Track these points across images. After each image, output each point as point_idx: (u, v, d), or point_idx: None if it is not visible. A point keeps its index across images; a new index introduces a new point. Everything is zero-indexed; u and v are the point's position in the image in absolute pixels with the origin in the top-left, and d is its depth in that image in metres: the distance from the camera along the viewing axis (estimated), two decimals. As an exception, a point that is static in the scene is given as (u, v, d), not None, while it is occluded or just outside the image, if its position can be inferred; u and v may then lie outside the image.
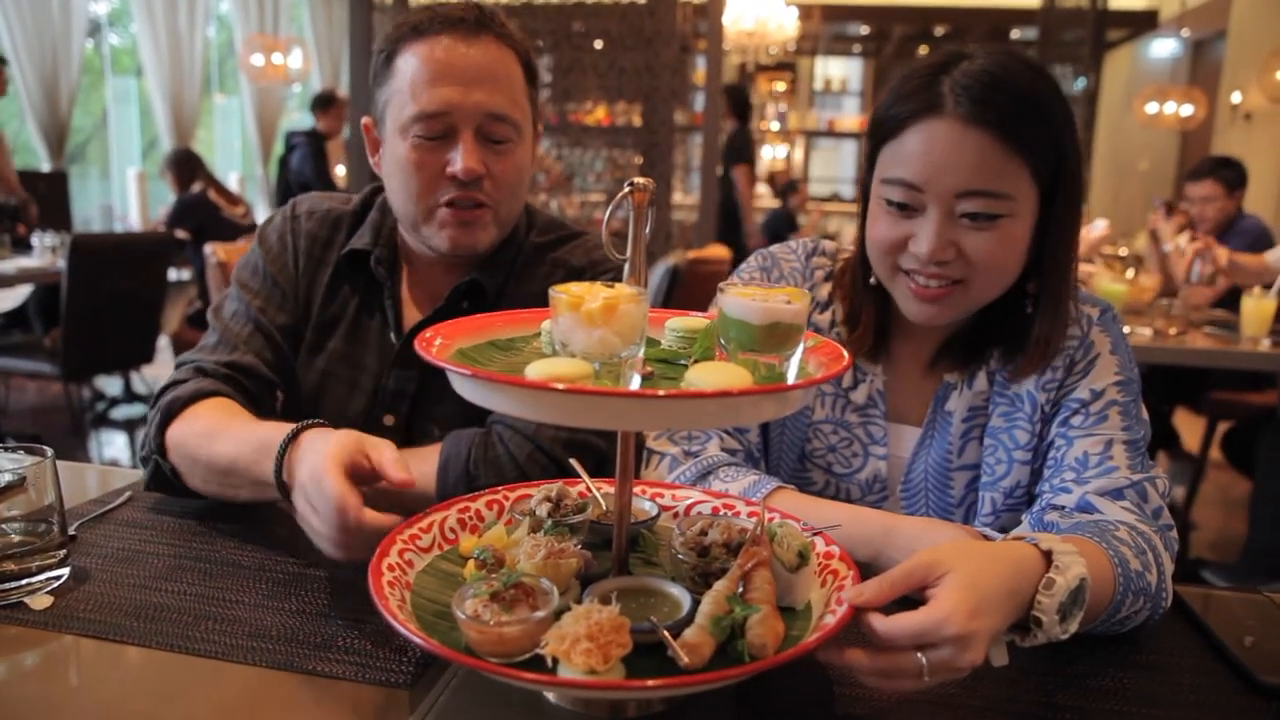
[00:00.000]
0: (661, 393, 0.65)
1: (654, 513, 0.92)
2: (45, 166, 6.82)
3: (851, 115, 11.86)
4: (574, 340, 0.69)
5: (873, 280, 1.09)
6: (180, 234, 4.85)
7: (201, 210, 4.98)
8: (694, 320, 0.82)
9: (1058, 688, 0.82)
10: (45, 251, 4.32)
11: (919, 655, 0.69)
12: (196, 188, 5.09)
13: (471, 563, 0.79)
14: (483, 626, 0.67)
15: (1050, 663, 0.85)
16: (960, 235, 0.98)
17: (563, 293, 0.69)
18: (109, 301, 3.82)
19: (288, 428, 1.02)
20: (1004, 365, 1.10)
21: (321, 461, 0.91)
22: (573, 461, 0.99)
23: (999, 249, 0.98)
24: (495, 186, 1.19)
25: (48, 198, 5.37)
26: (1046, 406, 1.08)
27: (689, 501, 0.98)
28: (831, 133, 11.19)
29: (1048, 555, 0.78)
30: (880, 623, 0.70)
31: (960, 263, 0.99)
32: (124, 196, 8.02)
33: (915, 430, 1.15)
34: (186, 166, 5.21)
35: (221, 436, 1.09)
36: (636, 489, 0.98)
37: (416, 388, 1.27)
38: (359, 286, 1.30)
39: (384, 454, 0.93)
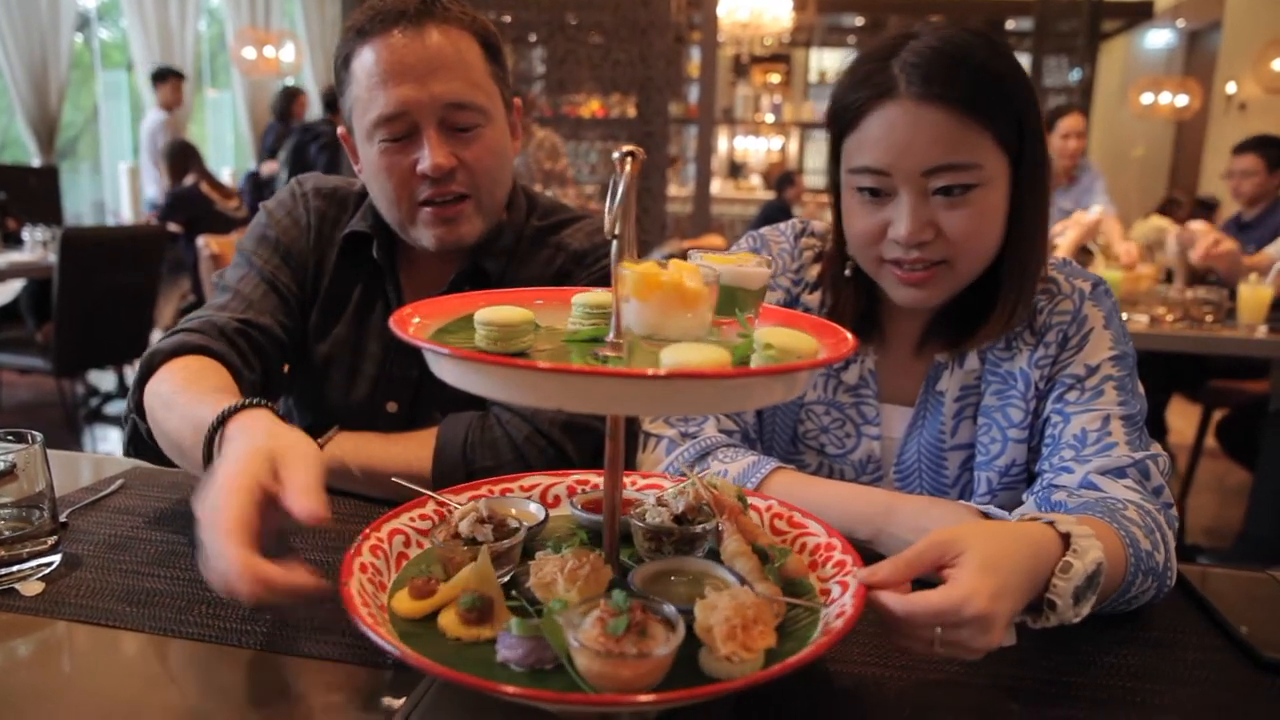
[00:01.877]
0: (657, 373, 0.60)
1: (541, 516, 0.85)
2: (35, 161, 6.78)
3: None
4: (670, 324, 0.64)
5: (847, 272, 1.10)
6: (172, 227, 4.82)
7: (194, 203, 4.96)
8: (602, 295, 0.76)
9: (1064, 666, 0.82)
10: (36, 246, 4.29)
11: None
12: (189, 181, 5.06)
13: (453, 614, 0.70)
14: (636, 662, 0.59)
15: (1056, 641, 0.84)
16: (936, 213, 0.98)
17: (631, 272, 0.63)
18: (101, 296, 3.79)
19: (220, 410, 0.89)
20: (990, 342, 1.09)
21: (221, 501, 0.72)
22: (397, 479, 0.91)
23: (976, 222, 0.98)
24: (470, 174, 1.16)
25: (38, 193, 5.35)
26: (1040, 383, 1.07)
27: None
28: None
29: (1065, 538, 0.77)
30: (899, 603, 0.68)
31: (941, 242, 0.99)
32: (115, 191, 7.97)
33: (908, 410, 1.15)
34: (181, 159, 5.18)
35: (176, 407, 0.99)
36: (512, 489, 0.92)
37: (420, 375, 1.25)
38: (363, 271, 1.28)
39: (295, 478, 0.74)
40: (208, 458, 0.89)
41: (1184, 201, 6.58)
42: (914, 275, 1.01)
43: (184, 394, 1.01)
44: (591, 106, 5.53)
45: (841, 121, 1.02)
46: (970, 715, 0.74)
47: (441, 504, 0.85)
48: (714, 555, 0.78)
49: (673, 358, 0.61)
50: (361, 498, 1.13)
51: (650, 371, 0.57)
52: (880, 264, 1.04)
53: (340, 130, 1.25)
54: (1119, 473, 0.98)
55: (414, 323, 0.74)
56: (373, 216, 1.27)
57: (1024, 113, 0.98)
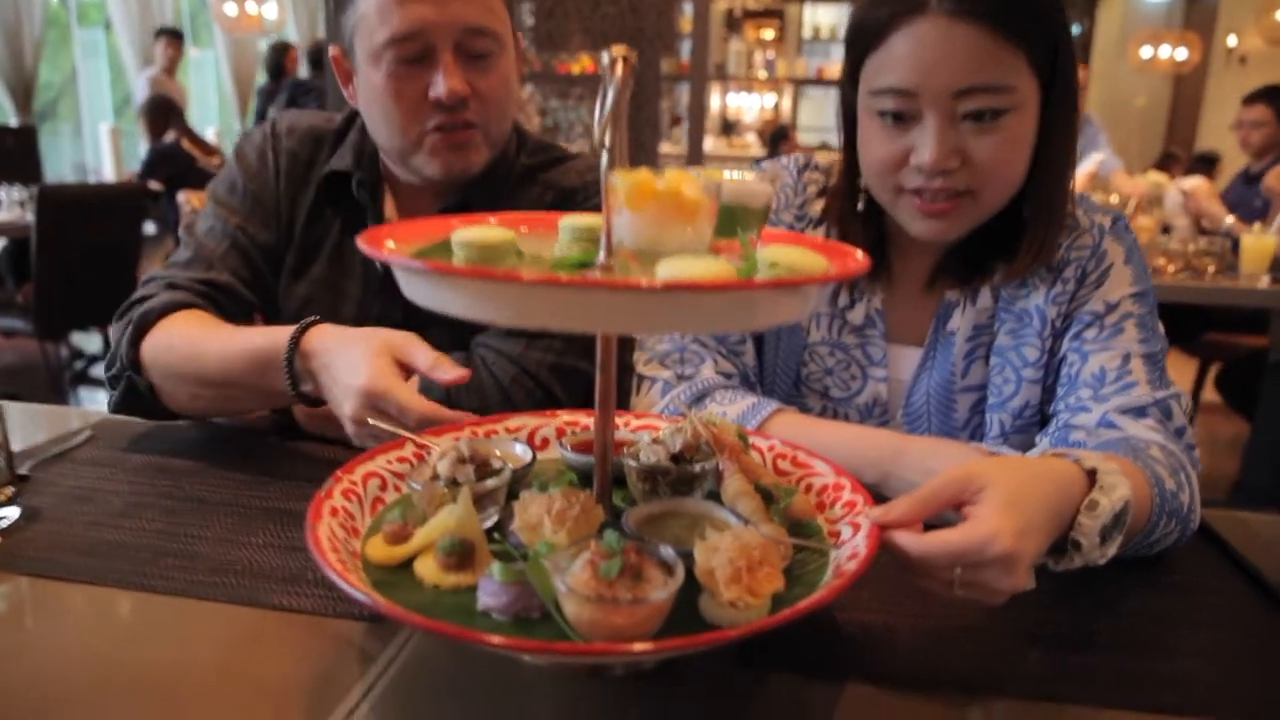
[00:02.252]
0: (653, 284, 0.52)
1: (528, 458, 0.80)
2: (13, 122, 6.62)
3: (840, 63, 11.56)
4: (666, 237, 0.58)
5: (860, 206, 1.03)
6: (154, 185, 4.71)
7: (175, 160, 4.84)
8: (592, 218, 0.69)
9: (1087, 611, 0.78)
10: (13, 205, 4.19)
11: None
12: (169, 137, 4.93)
13: (431, 560, 0.65)
14: (630, 609, 0.54)
15: (1077, 586, 0.80)
16: (965, 140, 0.92)
17: (623, 180, 0.57)
18: (81, 255, 3.70)
19: (282, 337, 0.98)
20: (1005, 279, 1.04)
21: (378, 381, 0.89)
22: (374, 420, 0.88)
23: (1007, 150, 0.92)
24: (482, 104, 1.11)
25: (16, 153, 5.22)
26: (1057, 321, 1.02)
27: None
28: (820, 81, 10.92)
29: (1091, 475, 0.72)
30: (914, 544, 0.63)
31: (966, 171, 0.93)
32: (97, 153, 7.80)
33: (916, 351, 1.09)
34: (161, 115, 5.05)
35: (208, 350, 1.03)
36: (497, 430, 0.86)
37: (401, 315, 1.19)
38: (341, 209, 1.23)
39: (422, 357, 0.91)
40: (291, 375, 0.98)
41: (1181, 156, 6.50)
42: (935, 206, 0.94)
43: (213, 336, 1.05)
44: (583, 63, 5.39)
45: (863, 40, 0.94)
46: (989, 662, 0.70)
47: (421, 446, 0.80)
48: (714, 497, 0.73)
49: (670, 270, 0.55)
50: (337, 441, 1.07)
51: (645, 283, 0.51)
52: (899, 194, 0.97)
53: (333, 52, 1.18)
54: (1139, 412, 0.93)
55: (388, 246, 0.67)
56: (353, 153, 1.21)
57: (1058, 35, 0.91)
